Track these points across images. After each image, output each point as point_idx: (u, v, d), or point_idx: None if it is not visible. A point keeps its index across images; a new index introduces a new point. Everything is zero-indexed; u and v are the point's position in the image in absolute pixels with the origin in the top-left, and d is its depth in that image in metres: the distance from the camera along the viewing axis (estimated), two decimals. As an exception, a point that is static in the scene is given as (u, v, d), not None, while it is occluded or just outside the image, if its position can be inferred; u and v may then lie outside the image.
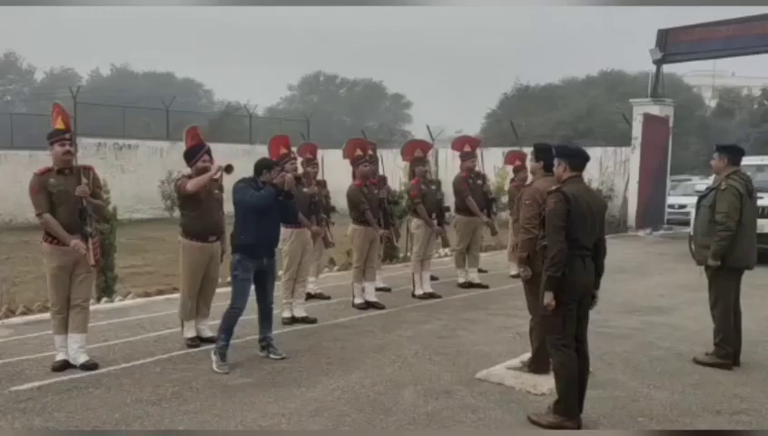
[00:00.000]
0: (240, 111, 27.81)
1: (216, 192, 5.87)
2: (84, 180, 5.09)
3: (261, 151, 22.39)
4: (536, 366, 5.02)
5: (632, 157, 16.13)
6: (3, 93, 54.31)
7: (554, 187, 4.13)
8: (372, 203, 7.38)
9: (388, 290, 8.34)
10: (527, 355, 5.27)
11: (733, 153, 5.43)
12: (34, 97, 48.38)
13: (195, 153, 5.80)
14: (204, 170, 5.75)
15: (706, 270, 5.43)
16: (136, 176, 19.00)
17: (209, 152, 5.85)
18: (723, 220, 5.20)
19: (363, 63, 65.35)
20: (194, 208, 5.71)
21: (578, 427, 4.06)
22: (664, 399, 4.64)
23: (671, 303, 7.84)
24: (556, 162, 4.21)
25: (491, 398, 4.59)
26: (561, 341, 4.07)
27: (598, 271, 4.21)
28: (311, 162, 7.50)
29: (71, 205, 4.99)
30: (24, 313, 7.02)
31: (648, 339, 6.19)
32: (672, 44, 16.08)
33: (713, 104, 42.33)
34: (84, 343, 5.24)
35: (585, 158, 4.17)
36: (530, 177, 5.19)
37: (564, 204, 3.97)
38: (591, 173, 13.65)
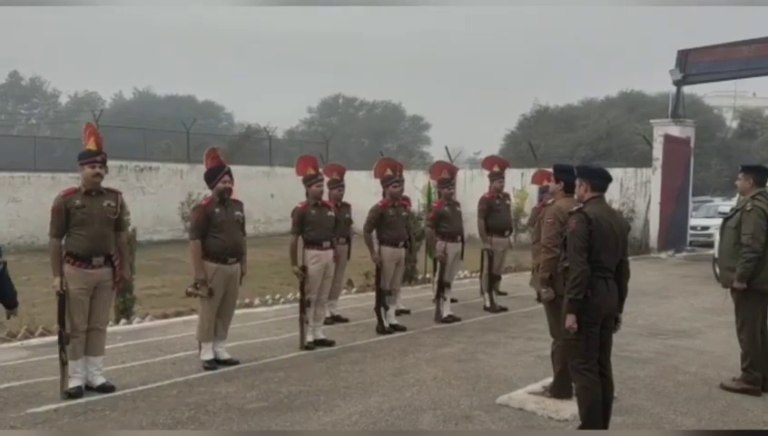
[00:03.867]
0: (259, 133, 28.06)
1: (237, 213, 5.88)
2: (111, 202, 5.12)
3: (281, 172, 22.67)
4: (558, 391, 4.90)
5: (653, 178, 15.96)
6: (28, 116, 55.45)
7: (575, 208, 4.06)
8: (399, 224, 7.36)
9: (407, 312, 8.26)
10: (549, 380, 5.15)
11: (760, 174, 5.32)
12: (58, 121, 49.35)
13: (216, 175, 5.83)
14: (225, 191, 5.77)
15: (732, 293, 5.30)
16: (156, 198, 19.17)
17: (229, 172, 5.87)
18: (749, 241, 5.08)
19: (382, 84, 65.84)
20: (215, 231, 5.71)
21: (603, 455, 3.94)
22: (690, 425, 4.51)
23: (695, 327, 7.67)
24: (577, 182, 4.15)
25: (512, 423, 4.49)
26: (584, 365, 3.97)
27: (621, 293, 4.12)
28: (338, 183, 7.50)
29: (95, 226, 5.01)
30: (42, 335, 7.04)
31: (672, 363, 6.04)
32: (692, 65, 15.97)
33: (734, 124, 41.92)
34: (101, 366, 5.23)
35: (608, 179, 4.11)
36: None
37: (585, 225, 3.90)
38: (612, 194, 13.51)
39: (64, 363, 4.99)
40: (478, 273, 10.55)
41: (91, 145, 5.20)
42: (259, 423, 4.46)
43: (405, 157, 32.52)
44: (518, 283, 10.63)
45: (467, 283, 10.89)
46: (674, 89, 16.73)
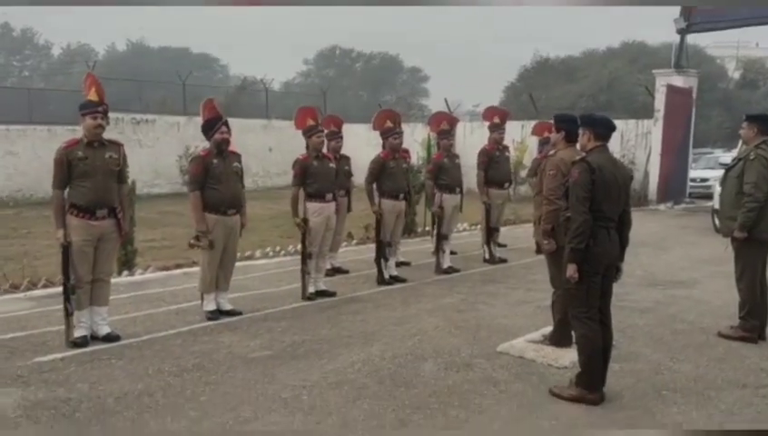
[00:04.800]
0: (256, 85, 27.68)
1: (235, 165, 5.84)
2: (114, 154, 5.09)
3: (278, 126, 22.46)
4: (557, 339, 4.97)
5: (654, 130, 15.84)
6: (20, 68, 54.64)
7: (578, 157, 4.04)
8: (399, 176, 7.33)
9: (407, 264, 8.31)
10: (548, 329, 5.23)
11: (764, 123, 5.27)
12: (50, 73, 48.60)
13: (213, 126, 5.77)
14: (223, 142, 5.72)
15: (732, 242, 5.32)
16: (154, 151, 19.01)
17: (226, 123, 5.81)
18: (752, 190, 5.07)
19: (379, 35, 64.54)
20: (213, 182, 5.68)
21: (601, 400, 4.02)
22: (688, 372, 4.59)
23: (693, 277, 7.73)
24: (580, 131, 4.12)
25: (512, 371, 4.56)
26: (585, 314, 4.01)
27: (623, 243, 4.13)
28: (336, 135, 7.43)
29: (98, 178, 4.98)
30: (45, 286, 7.09)
31: (671, 312, 6.12)
32: (696, 14, 15.66)
33: (736, 75, 41.44)
34: (107, 316, 5.28)
35: (611, 127, 4.07)
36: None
37: (588, 175, 3.88)
38: (612, 146, 13.30)
39: (68, 314, 5.03)
40: (478, 226, 10.60)
41: (92, 96, 5.13)
42: (263, 372, 4.52)
43: (404, 109, 32.09)
44: (518, 235, 10.69)
45: (466, 236, 10.93)
46: (677, 39, 16.46)
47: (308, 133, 6.62)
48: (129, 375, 4.44)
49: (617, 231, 4.07)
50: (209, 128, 5.77)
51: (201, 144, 21.40)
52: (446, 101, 20.67)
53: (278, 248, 9.73)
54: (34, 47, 55.58)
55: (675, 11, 16.17)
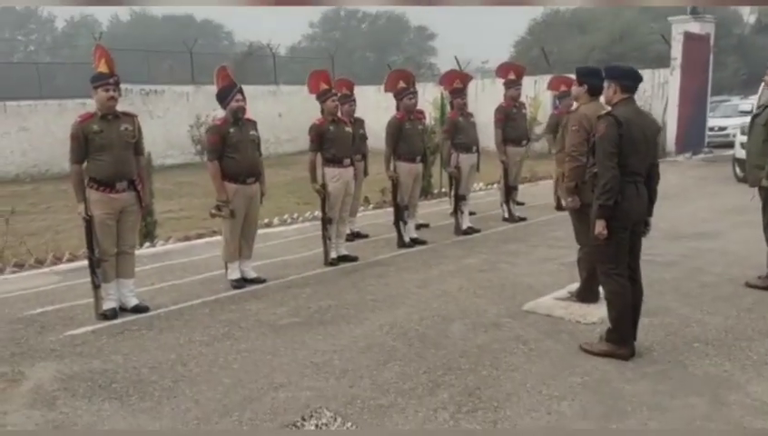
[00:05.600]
0: (262, 51, 27.38)
1: (252, 133, 5.80)
2: (129, 126, 5.06)
3: (287, 90, 22.27)
4: (584, 296, 4.96)
5: (671, 79, 15.52)
6: (26, 43, 54.39)
7: (604, 111, 3.95)
8: (415, 138, 7.23)
9: (426, 226, 8.28)
10: (574, 285, 5.21)
11: (792, 69, 5.12)
12: (56, 46, 48.35)
13: (227, 94, 5.71)
14: (239, 109, 5.67)
15: (760, 191, 5.23)
16: (164, 122, 18.95)
17: (241, 91, 5.75)
18: (780, 138, 4.96)
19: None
20: (231, 151, 5.65)
21: (632, 354, 4.01)
22: (718, 324, 4.57)
23: (716, 228, 7.65)
24: (606, 84, 4.02)
25: (541, 329, 4.56)
26: (614, 271, 3.98)
27: (651, 197, 4.07)
28: (349, 98, 7.33)
29: (115, 151, 4.96)
30: (70, 260, 7.15)
31: (697, 265, 6.07)
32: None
33: (752, 19, 40.37)
34: (134, 287, 5.33)
35: (638, 78, 3.97)
36: (574, 103, 4.99)
37: (615, 128, 3.80)
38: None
39: (96, 286, 5.07)
40: (495, 185, 10.52)
41: (102, 68, 5.07)
42: (292, 338, 4.56)
43: (413, 69, 31.76)
44: (535, 193, 10.62)
45: (483, 195, 10.86)
46: None
47: (322, 97, 6.53)
48: (161, 346, 4.49)
49: (645, 185, 4.00)
50: (224, 96, 5.71)
51: (211, 114, 21.26)
52: (456, 59, 20.34)
53: (295, 214, 9.75)
54: (37, 21, 55.20)
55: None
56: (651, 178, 4.04)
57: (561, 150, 4.86)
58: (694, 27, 15.53)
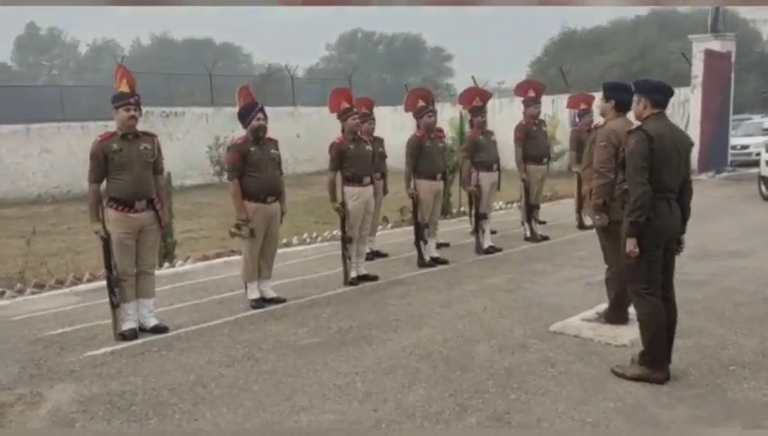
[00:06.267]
0: (281, 73, 27.62)
1: (273, 151, 5.76)
2: (148, 145, 5.05)
3: (306, 112, 22.37)
4: (613, 317, 4.81)
5: (692, 97, 15.35)
6: (50, 67, 55.46)
7: (632, 126, 3.85)
8: (436, 156, 7.17)
9: (446, 245, 8.17)
10: (602, 306, 5.06)
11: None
12: (79, 70, 49.22)
13: (249, 112, 5.68)
14: (260, 128, 5.64)
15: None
16: (184, 143, 19.08)
17: (262, 110, 5.72)
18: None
19: (401, 17, 64.03)
20: (251, 170, 5.61)
21: (667, 378, 3.86)
22: (754, 346, 4.40)
23: (746, 247, 7.45)
24: (635, 98, 3.91)
25: (569, 351, 4.42)
26: (646, 290, 3.84)
27: (684, 214, 3.94)
28: (368, 117, 7.28)
29: (135, 170, 4.94)
30: (90, 280, 7.13)
31: (728, 284, 5.89)
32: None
33: (771, 39, 40.03)
34: (153, 307, 5.27)
35: (669, 93, 3.87)
36: (600, 119, 4.88)
37: (646, 143, 3.69)
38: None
39: (114, 306, 5.02)
40: (516, 203, 10.40)
41: (123, 87, 5.08)
42: (314, 359, 4.46)
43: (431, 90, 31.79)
44: (556, 212, 10.48)
45: (502, 214, 10.75)
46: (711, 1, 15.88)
47: (342, 115, 6.50)
48: (180, 367, 4.41)
49: (678, 201, 3.88)
50: (245, 115, 5.69)
51: (230, 135, 21.44)
52: (473, 78, 20.34)
53: (314, 234, 9.69)
54: (61, 46, 56.34)
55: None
56: (684, 194, 3.92)
57: (588, 166, 4.74)
58: (715, 45, 15.39)
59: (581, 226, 9.13)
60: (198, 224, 11.93)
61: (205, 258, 8.27)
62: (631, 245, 3.76)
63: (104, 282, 6.80)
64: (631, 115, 4.65)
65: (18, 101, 21.99)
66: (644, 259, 3.77)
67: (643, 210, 3.69)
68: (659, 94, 3.84)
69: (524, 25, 68.30)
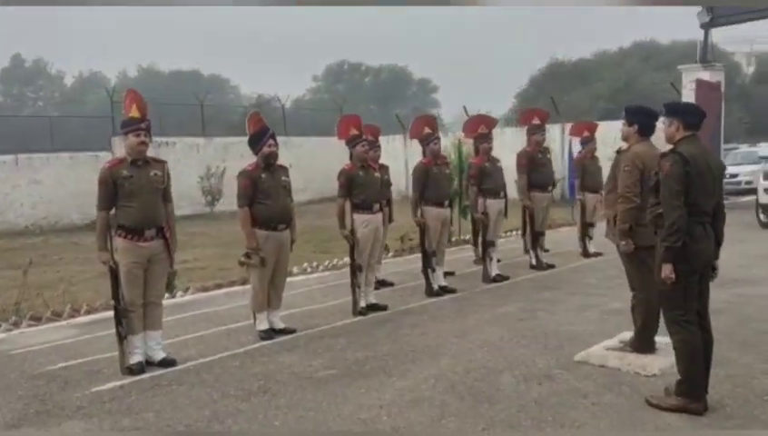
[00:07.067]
0: (271, 102, 27.65)
1: (284, 178, 5.64)
2: (158, 172, 4.91)
3: (297, 142, 22.30)
4: (638, 345, 4.69)
5: (683, 127, 15.45)
6: (35, 99, 55.16)
7: (668, 149, 3.78)
8: (442, 182, 7.09)
9: (452, 273, 8.04)
10: (626, 334, 4.95)
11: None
12: (64, 101, 48.96)
13: (260, 138, 5.58)
14: (271, 155, 5.53)
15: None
16: (175, 173, 18.18)
17: (274, 136, 5.62)
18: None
19: (386, 49, 64.87)
20: (262, 197, 5.48)
21: (705, 409, 3.73)
22: (785, 375, 4.29)
23: (756, 274, 7.40)
24: (666, 121, 3.85)
25: (598, 381, 4.28)
26: (683, 317, 3.73)
27: (718, 238, 3.86)
28: (374, 144, 7.21)
29: (145, 197, 4.79)
30: (88, 312, 6.90)
31: (747, 312, 5.81)
32: (720, 6, 15.36)
33: (750, 70, 40.95)
34: (161, 340, 5.07)
35: (702, 115, 3.83)
36: (623, 144, 4.81)
37: (681, 166, 3.62)
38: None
39: (121, 339, 4.81)
40: (515, 232, 10.32)
41: (133, 112, 4.94)
42: (333, 392, 4.28)
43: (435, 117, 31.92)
44: (557, 240, 10.41)
45: (503, 242, 10.63)
46: (688, 36, 16.14)
47: (351, 142, 6.41)
48: (194, 402, 4.21)
49: (711, 225, 3.80)
50: (256, 141, 5.58)
51: (221, 165, 21.29)
52: (464, 108, 20.49)
53: (315, 263, 9.52)
54: (47, 77, 56.12)
55: (689, 9, 15.89)
56: (717, 218, 3.84)
57: (611, 191, 4.66)
58: (704, 76, 15.58)
59: (585, 254, 9.07)
60: (192, 255, 11.68)
61: (205, 289, 8.07)
62: (667, 271, 3.66)
63: (104, 315, 6.64)
64: (653, 140, 4.64)
65: (6, 131, 21.73)
66: (680, 285, 3.67)
67: (679, 234, 3.60)
68: (691, 117, 3.79)
69: (509, 57, 69.44)
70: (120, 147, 16.56)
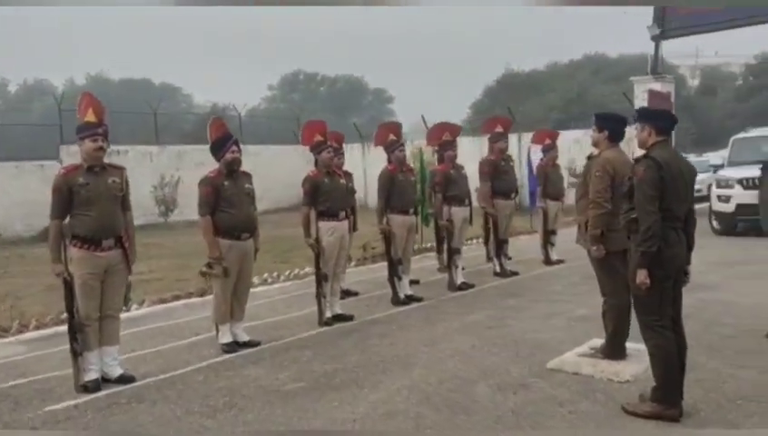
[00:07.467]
0: (226, 111, 27.22)
1: (247, 186, 5.47)
2: (116, 179, 4.67)
3: (253, 150, 21.99)
4: (609, 352, 4.68)
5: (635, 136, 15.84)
6: (-24, 107, 52.98)
7: (641, 154, 3.78)
8: (408, 190, 7.01)
9: (417, 282, 7.96)
10: (596, 341, 4.95)
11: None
12: (8, 109, 47.18)
13: (223, 145, 5.40)
14: (234, 161, 5.36)
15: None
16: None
17: (237, 142, 5.45)
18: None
19: (341, 60, 64.97)
20: (225, 205, 5.29)
21: (680, 415, 3.72)
22: (753, 379, 4.33)
23: (713, 280, 7.54)
24: (639, 126, 3.86)
25: (573, 389, 4.24)
26: (658, 323, 3.72)
27: (690, 243, 3.87)
28: (338, 151, 7.09)
29: (103, 205, 4.55)
30: (37, 328, 6.55)
31: (707, 317, 5.89)
32: (670, 19, 15.81)
33: (695, 83, 42.47)
34: (118, 355, 4.82)
35: (674, 120, 3.84)
36: (598, 151, 4.81)
37: (656, 171, 3.62)
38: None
39: (76, 355, 4.55)
40: (480, 239, 10.32)
41: (89, 117, 4.71)
42: (302, 406, 4.12)
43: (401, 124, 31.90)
44: (518, 247, 10.45)
45: (466, 250, 10.62)
46: (636, 49, 16.59)
47: (316, 149, 6.28)
48: (156, 419, 3.99)
49: (683, 230, 3.81)
50: (218, 148, 5.40)
51: (176, 174, 20.69)
52: (423, 118, 20.56)
53: (276, 273, 9.31)
54: (-12, 85, 54.06)
55: (638, 23, 16.35)
56: (688, 223, 3.85)
57: (582, 197, 4.65)
58: (656, 86, 16.00)
59: (547, 262, 9.13)
60: (147, 266, 11.30)
61: (162, 301, 7.77)
62: (642, 276, 3.64)
63: (54, 330, 6.32)
64: (623, 145, 4.67)
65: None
66: (655, 290, 3.67)
67: (654, 239, 3.59)
68: (664, 122, 3.81)
69: (463, 68, 70.32)
70: (68, 156, 16.03)
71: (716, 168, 12.73)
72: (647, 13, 16.26)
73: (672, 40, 16.69)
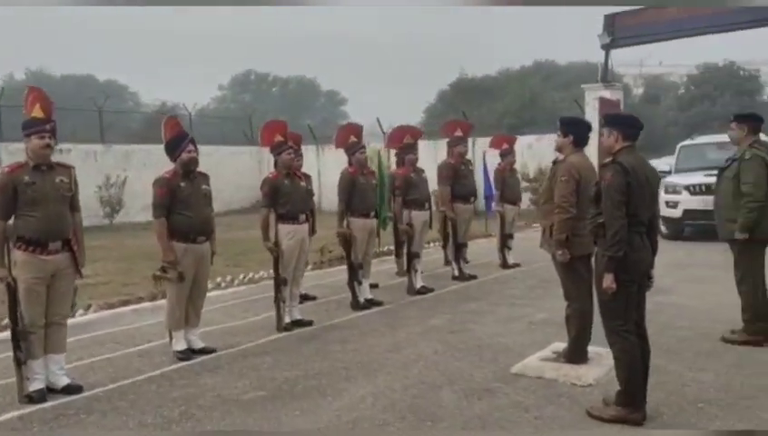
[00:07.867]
0: (176, 110, 26.57)
1: (204, 187, 5.27)
2: (65, 178, 4.43)
3: (205, 151, 21.43)
4: (572, 356, 4.69)
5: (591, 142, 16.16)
6: None
7: (608, 159, 3.79)
8: (369, 193, 6.91)
9: (376, 286, 7.86)
10: (558, 345, 4.97)
11: (755, 122, 5.23)
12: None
13: (178, 144, 5.20)
14: (191, 161, 5.16)
15: (732, 245, 5.23)
16: (71, 182, 17.65)
17: (193, 141, 5.25)
18: (751, 190, 5.00)
19: (293, 61, 64.50)
20: (181, 207, 5.09)
21: (644, 419, 3.74)
22: (712, 382, 4.40)
23: (665, 284, 7.64)
24: (605, 131, 3.87)
25: (538, 393, 4.22)
26: (622, 327, 3.74)
27: (653, 248, 3.91)
28: (297, 152, 6.93)
29: (50, 206, 4.30)
30: (-24, 335, 6.17)
31: (663, 320, 5.97)
32: (619, 29, 16.20)
33: (639, 91, 43.78)
34: (64, 364, 4.56)
35: (640, 126, 3.86)
36: (558, 155, 4.82)
37: (623, 176, 3.63)
38: (549, 161, 13.48)
39: (20, 364, 4.28)
40: (438, 243, 10.31)
41: (36, 113, 4.45)
42: (264, 415, 3.98)
43: (331, 131, 31.77)
44: (474, 251, 10.45)
45: (423, 253, 10.58)
46: (584, 57, 16.97)
47: (276, 149, 6.12)
48: (107, 433, 3.79)
49: (647, 235, 3.84)
50: (173, 147, 5.20)
51: (122, 174, 20.06)
52: (378, 120, 20.53)
53: (229, 277, 9.07)
54: None
55: (586, 32, 16.73)
56: (651, 228, 3.88)
57: (547, 201, 4.65)
58: (605, 94, 16.39)
59: (504, 265, 9.17)
60: (93, 270, 10.84)
61: (110, 306, 7.46)
62: (608, 281, 3.65)
63: (7, 335, 5.95)
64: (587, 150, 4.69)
65: None
66: (620, 295, 3.68)
67: (622, 244, 3.60)
68: (631, 127, 3.82)
69: (417, 72, 70.74)
70: (8, 154, 15.31)
71: (664, 174, 13.07)
72: (595, 21, 16.66)
73: (619, 49, 17.12)
